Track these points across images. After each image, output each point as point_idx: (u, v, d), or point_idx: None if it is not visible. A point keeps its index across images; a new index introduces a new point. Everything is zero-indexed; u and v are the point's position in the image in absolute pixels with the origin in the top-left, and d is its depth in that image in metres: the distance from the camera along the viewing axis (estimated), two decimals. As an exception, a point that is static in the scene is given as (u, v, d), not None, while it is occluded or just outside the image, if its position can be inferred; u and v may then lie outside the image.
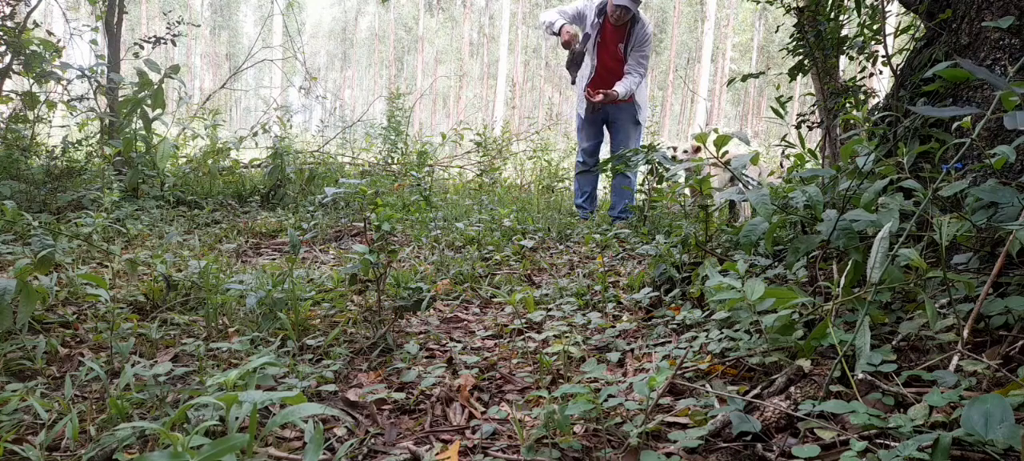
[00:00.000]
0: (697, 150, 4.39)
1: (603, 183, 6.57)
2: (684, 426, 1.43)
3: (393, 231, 2.17)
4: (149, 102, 4.73)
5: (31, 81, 4.75)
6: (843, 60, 3.19)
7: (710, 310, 2.11)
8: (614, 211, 4.72)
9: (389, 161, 7.04)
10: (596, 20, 4.55)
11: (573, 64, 4.77)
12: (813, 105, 3.13)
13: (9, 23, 4.68)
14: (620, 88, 4.43)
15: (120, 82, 5.10)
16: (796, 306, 1.63)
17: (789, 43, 3.00)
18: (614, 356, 1.94)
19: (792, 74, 3.03)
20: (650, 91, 42.38)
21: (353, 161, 7.37)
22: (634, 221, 4.25)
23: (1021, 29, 1.86)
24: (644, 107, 4.69)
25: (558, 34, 4.62)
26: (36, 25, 5.06)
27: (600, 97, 4.45)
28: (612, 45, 4.58)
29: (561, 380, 1.79)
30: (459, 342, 2.18)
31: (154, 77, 4.75)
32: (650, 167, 4.30)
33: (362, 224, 4.21)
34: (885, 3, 2.70)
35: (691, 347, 1.86)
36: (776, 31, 4.28)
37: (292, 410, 1.17)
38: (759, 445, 1.29)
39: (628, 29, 4.52)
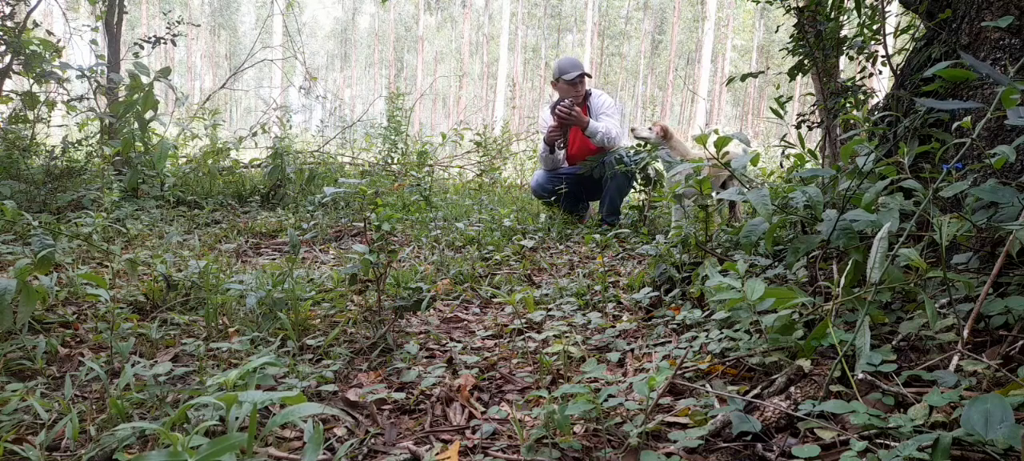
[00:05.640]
0: (664, 132, 4.04)
1: None
2: (684, 426, 1.43)
3: (393, 231, 2.17)
4: (140, 105, 4.73)
5: (31, 81, 4.75)
6: (843, 60, 3.19)
7: (710, 310, 2.11)
8: (601, 211, 4.66)
9: (389, 161, 7.04)
10: (554, 117, 4.38)
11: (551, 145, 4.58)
12: (813, 105, 3.13)
13: (9, 23, 4.68)
14: (591, 124, 4.26)
15: (120, 82, 5.11)
16: (796, 306, 1.62)
17: (789, 43, 3.00)
18: (614, 356, 1.94)
19: (792, 74, 3.03)
20: (650, 91, 41.80)
21: (353, 161, 7.36)
22: (634, 220, 4.25)
23: (1021, 29, 1.86)
24: (605, 112, 4.44)
25: (552, 144, 4.47)
26: (36, 25, 5.06)
27: (566, 109, 4.22)
28: (577, 132, 4.46)
29: (561, 380, 1.79)
30: (459, 342, 2.18)
31: (144, 80, 4.75)
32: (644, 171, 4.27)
33: (362, 224, 4.21)
34: (885, 3, 2.69)
35: (691, 347, 1.86)
36: (776, 31, 4.28)
37: (292, 410, 1.17)
38: (759, 445, 1.29)
39: (585, 106, 4.44)
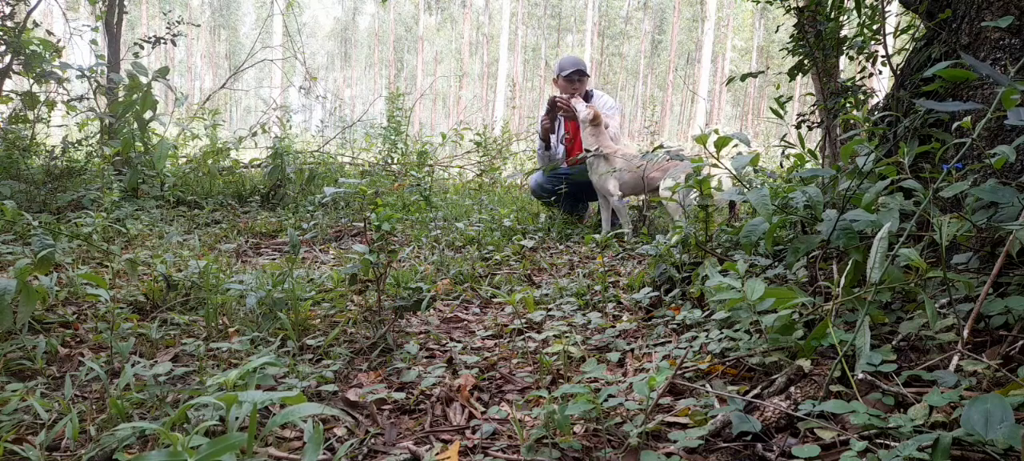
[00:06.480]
0: (595, 118, 4.00)
1: None
2: (684, 426, 1.43)
3: (393, 231, 2.17)
4: (139, 105, 4.73)
5: (31, 81, 4.75)
6: (843, 60, 3.19)
7: (710, 310, 2.11)
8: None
9: (389, 161, 7.04)
10: (557, 117, 4.48)
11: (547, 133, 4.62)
12: (813, 105, 3.13)
13: (9, 23, 4.68)
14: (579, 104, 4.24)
15: (120, 82, 5.11)
16: (796, 306, 1.62)
17: (789, 43, 3.00)
18: (614, 356, 1.94)
19: (792, 74, 3.02)
20: (650, 91, 41.65)
21: (353, 161, 7.36)
22: (634, 221, 4.24)
23: (1021, 29, 1.86)
24: (605, 113, 4.37)
25: (547, 138, 4.53)
26: (36, 25, 5.06)
27: (565, 101, 4.21)
28: (576, 126, 4.46)
29: (561, 380, 1.79)
30: (459, 342, 2.18)
31: (143, 80, 4.75)
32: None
33: (362, 224, 4.21)
34: (885, 3, 2.69)
35: (691, 347, 1.86)
36: (776, 31, 4.27)
37: (292, 410, 1.17)
38: (759, 445, 1.29)
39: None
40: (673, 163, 3.73)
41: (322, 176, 5.76)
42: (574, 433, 1.42)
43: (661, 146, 2.91)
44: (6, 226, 3.40)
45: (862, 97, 2.79)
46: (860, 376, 1.39)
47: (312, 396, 1.71)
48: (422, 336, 2.23)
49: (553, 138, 4.55)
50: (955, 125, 1.44)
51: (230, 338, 2.11)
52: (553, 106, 4.36)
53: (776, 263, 2.28)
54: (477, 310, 2.63)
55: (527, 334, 2.21)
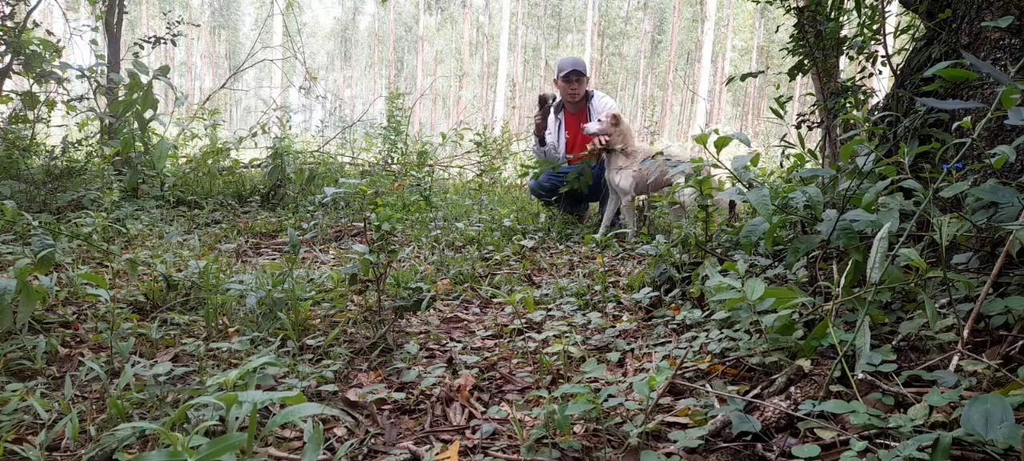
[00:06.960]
0: (615, 120, 3.97)
1: None
2: (684, 426, 1.43)
3: (393, 231, 2.17)
4: (139, 105, 4.74)
5: (31, 81, 4.75)
6: (843, 60, 3.19)
7: (710, 310, 2.11)
8: (601, 212, 4.68)
9: (389, 161, 7.04)
10: (557, 117, 4.52)
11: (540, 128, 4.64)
12: (813, 105, 3.13)
13: (9, 23, 4.68)
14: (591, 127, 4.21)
15: (120, 82, 5.11)
16: (796, 306, 1.62)
17: (789, 43, 3.00)
18: (614, 356, 1.94)
19: (792, 74, 3.02)
20: (650, 91, 41.61)
21: (353, 161, 7.36)
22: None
23: (1021, 29, 1.86)
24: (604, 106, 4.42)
25: (541, 135, 4.55)
26: (36, 25, 5.06)
27: (593, 142, 4.10)
28: (576, 126, 4.48)
29: (561, 380, 1.79)
30: (459, 342, 2.18)
31: (144, 79, 4.75)
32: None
33: (362, 224, 4.21)
34: (885, 3, 2.69)
35: (691, 347, 1.86)
36: (776, 31, 4.27)
37: (292, 410, 1.17)
38: (759, 445, 1.29)
39: (585, 108, 4.49)
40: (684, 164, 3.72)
41: (322, 176, 5.76)
42: (574, 433, 1.42)
43: (661, 153, 2.91)
44: (6, 226, 3.40)
45: (862, 97, 2.79)
46: (860, 376, 1.39)
47: (312, 396, 1.71)
48: (422, 336, 2.23)
49: (547, 135, 4.55)
50: (955, 125, 1.44)
51: (230, 338, 2.11)
52: (542, 103, 4.44)
53: (776, 263, 2.28)
54: (477, 310, 2.63)
55: (527, 334, 2.21)
